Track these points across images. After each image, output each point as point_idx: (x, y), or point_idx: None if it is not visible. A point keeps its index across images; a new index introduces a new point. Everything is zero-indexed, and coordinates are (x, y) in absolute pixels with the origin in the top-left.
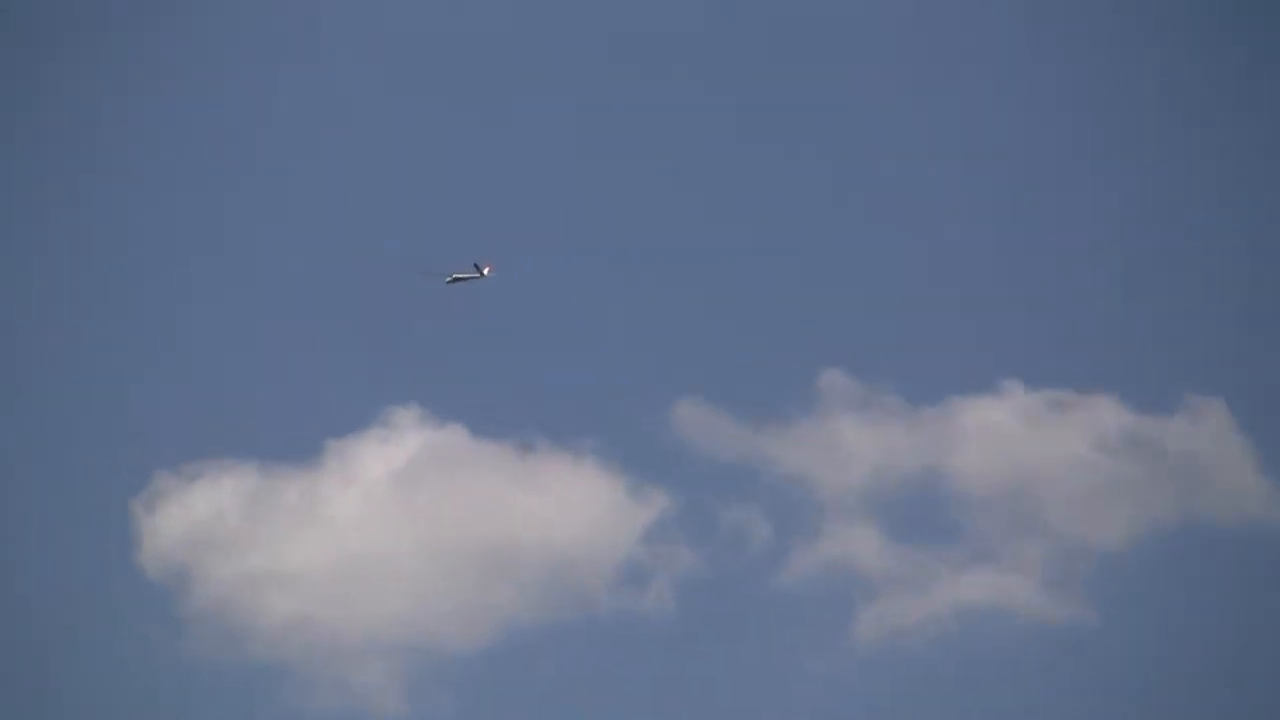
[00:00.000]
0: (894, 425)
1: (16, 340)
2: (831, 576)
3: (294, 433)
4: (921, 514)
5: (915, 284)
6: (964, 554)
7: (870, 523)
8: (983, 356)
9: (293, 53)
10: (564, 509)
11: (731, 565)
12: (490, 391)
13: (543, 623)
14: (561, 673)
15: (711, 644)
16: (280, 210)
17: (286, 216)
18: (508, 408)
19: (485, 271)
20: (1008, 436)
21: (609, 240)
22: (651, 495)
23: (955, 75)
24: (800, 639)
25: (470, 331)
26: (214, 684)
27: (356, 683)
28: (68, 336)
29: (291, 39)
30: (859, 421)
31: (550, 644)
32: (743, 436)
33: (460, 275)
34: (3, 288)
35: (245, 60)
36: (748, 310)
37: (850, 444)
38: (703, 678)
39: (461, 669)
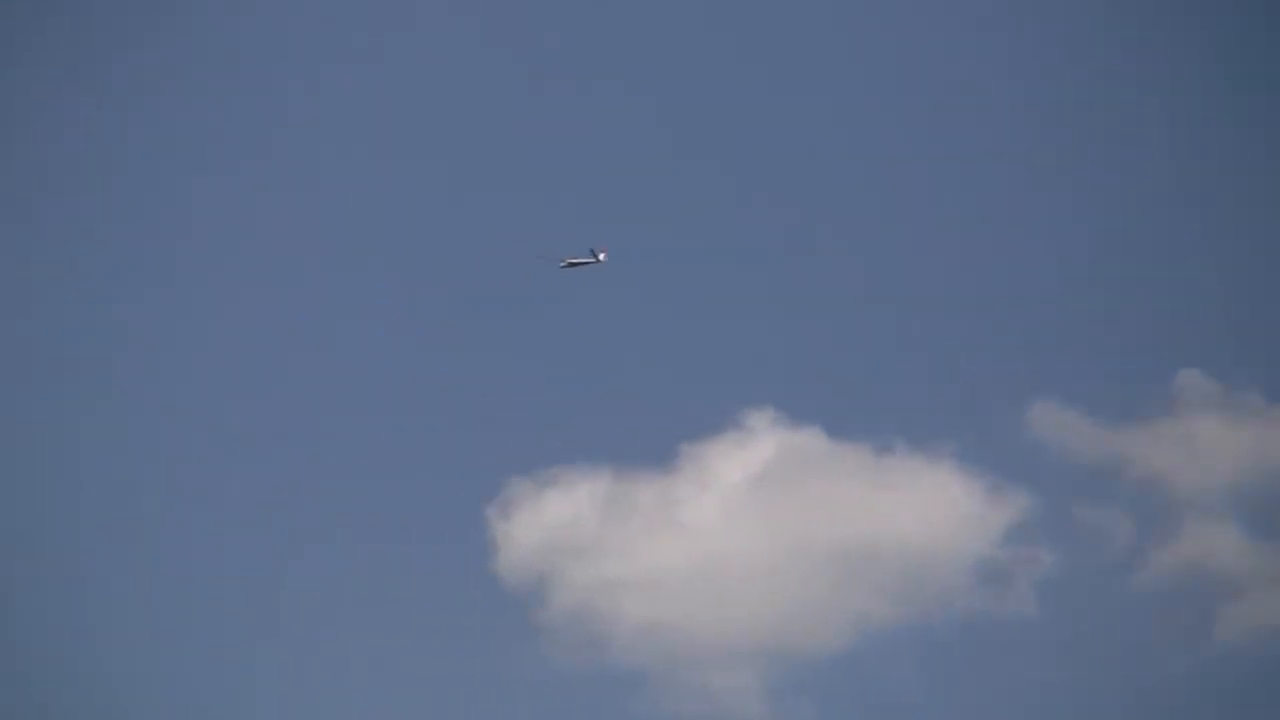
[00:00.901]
0: (1253, 424)
1: (376, 351)
2: (1191, 576)
3: (648, 437)
4: None
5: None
6: None
7: (1230, 521)
8: None
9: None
10: (921, 510)
11: (1091, 565)
12: (846, 393)
13: (900, 625)
14: (920, 675)
15: (1071, 644)
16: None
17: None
18: (864, 409)
19: (600, 257)
20: None
21: (965, 240)
22: (1010, 496)
23: None
24: (1160, 638)
25: (824, 333)
26: (572, 691)
27: (714, 687)
28: (423, 347)
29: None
30: (1218, 421)
31: (908, 646)
32: (1100, 437)
33: (575, 260)
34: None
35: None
36: (1104, 311)
37: (1209, 443)
38: (1063, 678)
39: (819, 672)
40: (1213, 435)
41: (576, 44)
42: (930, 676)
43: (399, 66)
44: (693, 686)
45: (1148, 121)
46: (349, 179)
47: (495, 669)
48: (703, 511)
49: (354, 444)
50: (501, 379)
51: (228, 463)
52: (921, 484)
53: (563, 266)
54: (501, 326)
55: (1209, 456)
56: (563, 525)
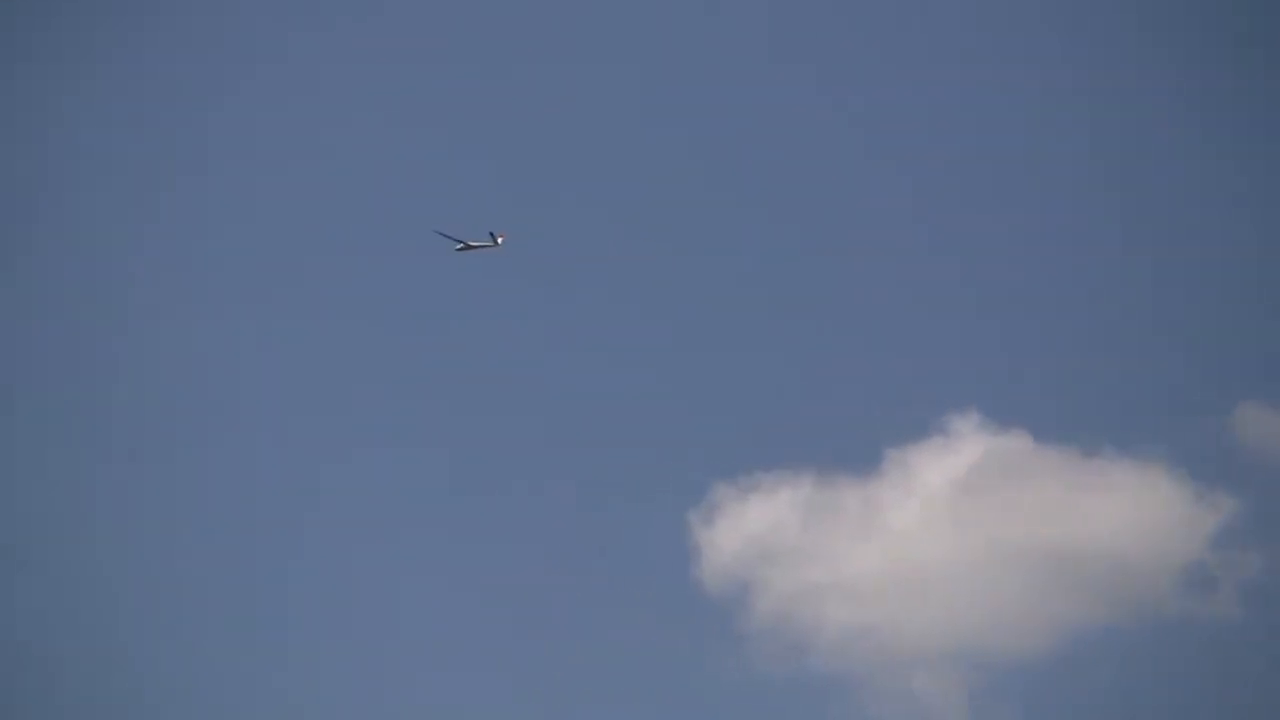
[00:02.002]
0: None
1: (579, 358)
2: None
3: (852, 442)
4: None
5: None
6: None
7: None
8: None
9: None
10: (1127, 514)
11: None
12: (1053, 396)
13: (1106, 629)
14: (1125, 680)
15: (1278, 648)
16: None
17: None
18: (1070, 412)
19: (499, 241)
20: None
21: (1171, 241)
22: (1217, 499)
23: None
24: None
25: (1030, 335)
26: (775, 697)
27: (917, 692)
28: (627, 353)
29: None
30: None
31: (1113, 651)
32: None
33: (472, 244)
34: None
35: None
36: None
37: None
38: (1269, 682)
39: (1022, 676)
40: None
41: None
42: (1134, 681)
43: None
44: (895, 691)
45: None
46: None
47: (698, 676)
48: (906, 516)
49: (557, 449)
50: (704, 385)
51: (412, 472)
52: (1127, 487)
53: (458, 249)
54: (707, 333)
55: None
56: (765, 531)
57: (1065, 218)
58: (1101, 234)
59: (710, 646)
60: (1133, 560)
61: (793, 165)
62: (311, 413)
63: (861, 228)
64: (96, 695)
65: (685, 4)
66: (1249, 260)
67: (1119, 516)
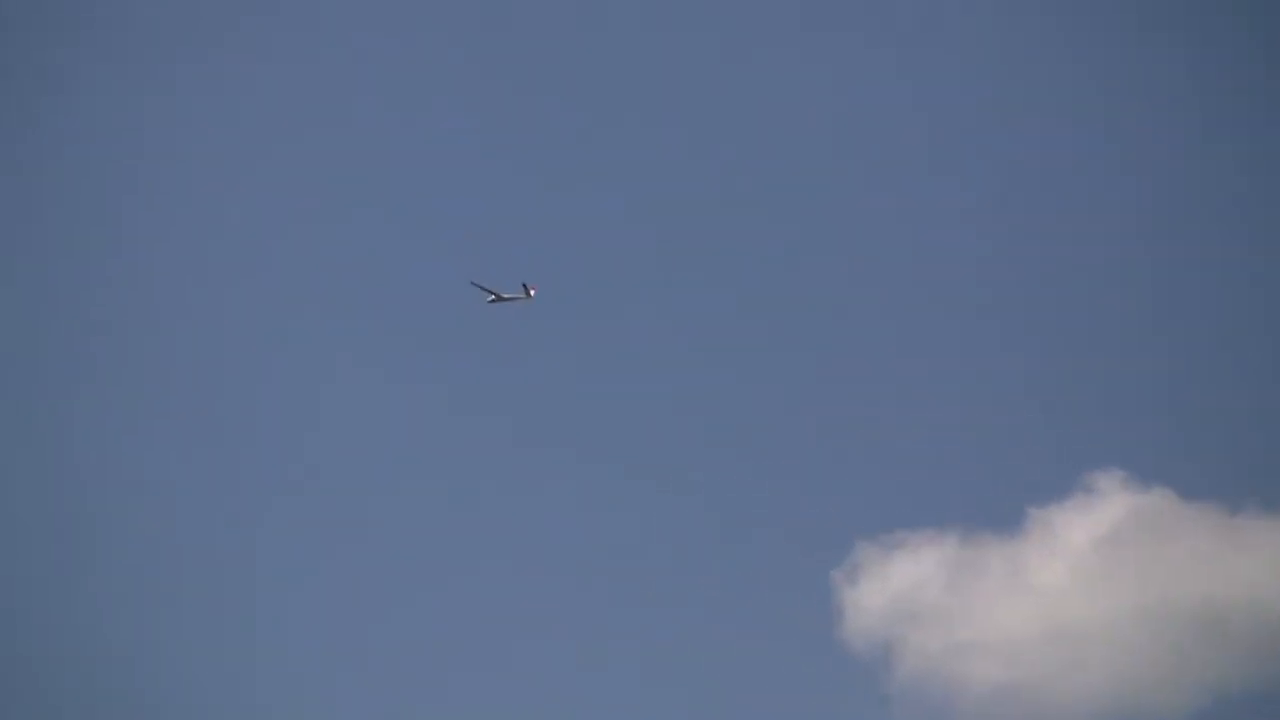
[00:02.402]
0: None
1: (721, 417)
2: None
3: (995, 501)
4: None
5: None
6: None
7: None
8: None
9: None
10: (1273, 571)
11: None
12: (1197, 453)
13: (1254, 688)
14: None
15: None
16: None
17: None
18: (1215, 469)
19: (531, 294)
20: None
21: None
22: None
23: None
24: None
25: (1173, 393)
26: None
27: None
28: (773, 416)
29: None
30: None
31: (1263, 711)
32: None
33: (504, 295)
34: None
35: None
36: None
37: None
38: None
39: None
40: None
41: None
42: None
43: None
44: None
45: None
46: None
47: None
48: (1051, 575)
49: (704, 509)
50: (848, 445)
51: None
52: (1273, 545)
53: (490, 302)
54: (848, 392)
55: None
56: (909, 590)
57: (1214, 277)
58: (1248, 291)
59: (855, 706)
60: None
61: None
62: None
63: (1004, 295)
64: (93, 693)
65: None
66: None
67: (1265, 574)
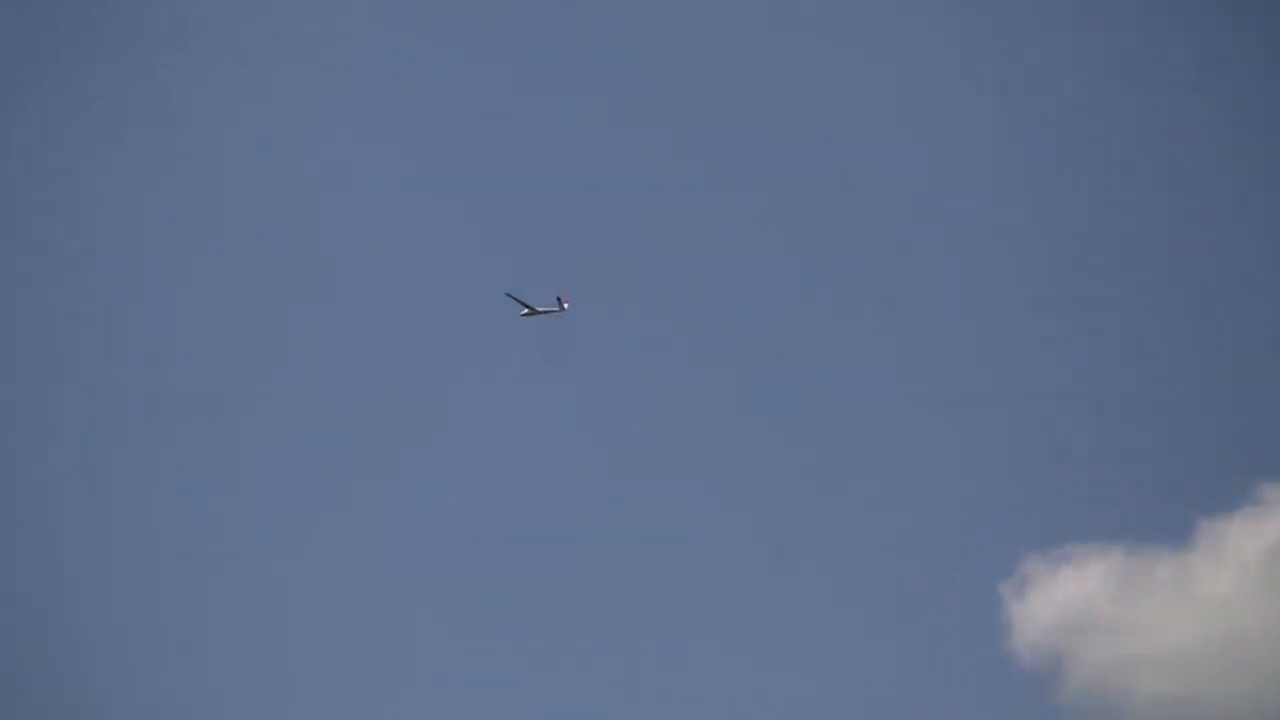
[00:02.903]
0: None
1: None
2: None
3: (1163, 513)
4: None
5: None
6: None
7: None
8: None
9: None
10: None
11: None
12: None
13: None
14: None
15: None
16: None
17: None
18: None
19: (565, 306)
20: None
21: None
22: None
23: None
24: None
25: None
26: None
27: None
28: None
29: None
30: None
31: None
32: None
33: (538, 309)
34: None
35: None
36: None
37: None
38: None
39: None
40: None
41: None
42: None
43: None
44: None
45: None
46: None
47: None
48: (1220, 586)
49: (875, 520)
50: (1010, 458)
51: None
52: None
53: (524, 315)
54: (1005, 402)
55: None
56: (1078, 603)
57: None
58: None
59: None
60: None
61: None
62: None
63: (1180, 303)
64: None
65: None
66: None
67: None
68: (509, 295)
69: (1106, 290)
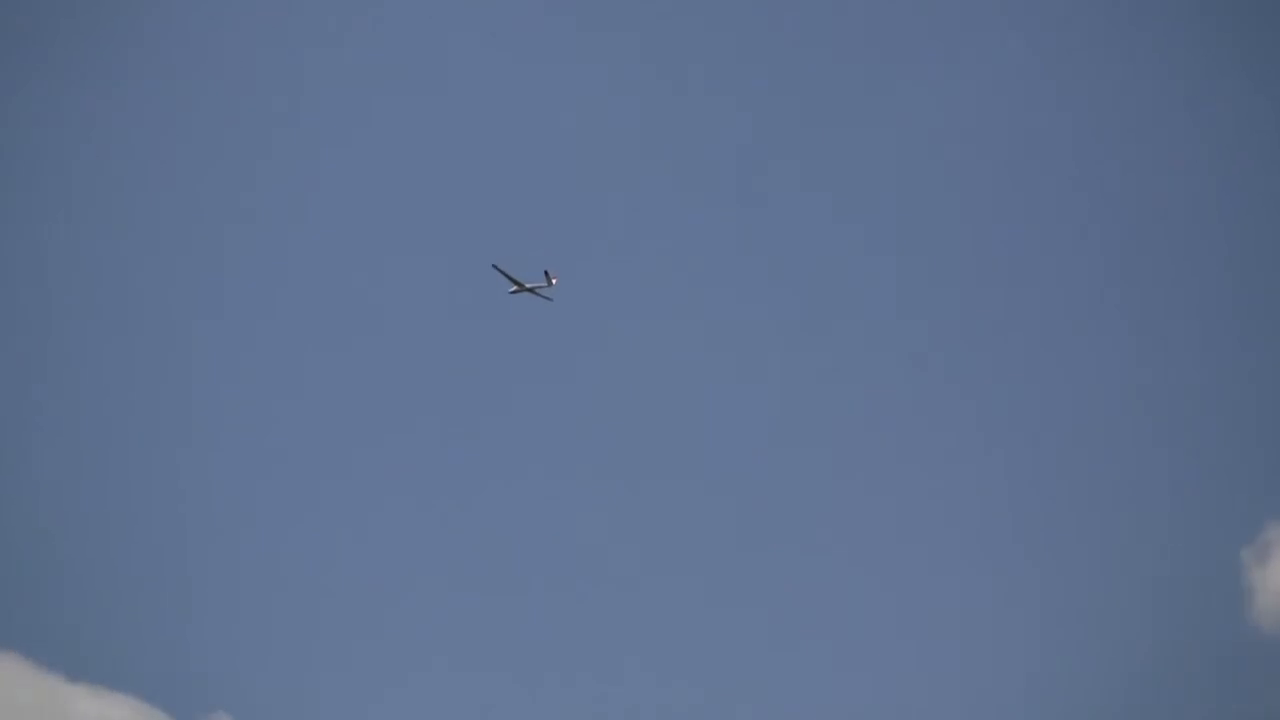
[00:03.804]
0: None
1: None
2: None
3: None
4: None
5: None
6: None
7: None
8: None
9: None
10: None
11: None
12: None
13: None
14: None
15: None
16: None
17: None
18: None
19: (552, 282)
20: None
21: None
22: None
23: None
24: None
25: None
26: None
27: None
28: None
29: None
30: None
31: None
32: None
33: (528, 286)
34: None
35: None
36: None
37: None
38: None
39: None
40: None
41: None
42: None
43: None
44: None
45: None
46: None
47: (1253, 717)
48: None
49: (1116, 481)
50: (1254, 421)
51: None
52: None
53: (512, 292)
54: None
55: None
56: None
57: None
58: None
59: (1271, 690)
60: None
61: None
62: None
63: None
64: None
65: None
66: None
67: None
68: (496, 268)
69: None
